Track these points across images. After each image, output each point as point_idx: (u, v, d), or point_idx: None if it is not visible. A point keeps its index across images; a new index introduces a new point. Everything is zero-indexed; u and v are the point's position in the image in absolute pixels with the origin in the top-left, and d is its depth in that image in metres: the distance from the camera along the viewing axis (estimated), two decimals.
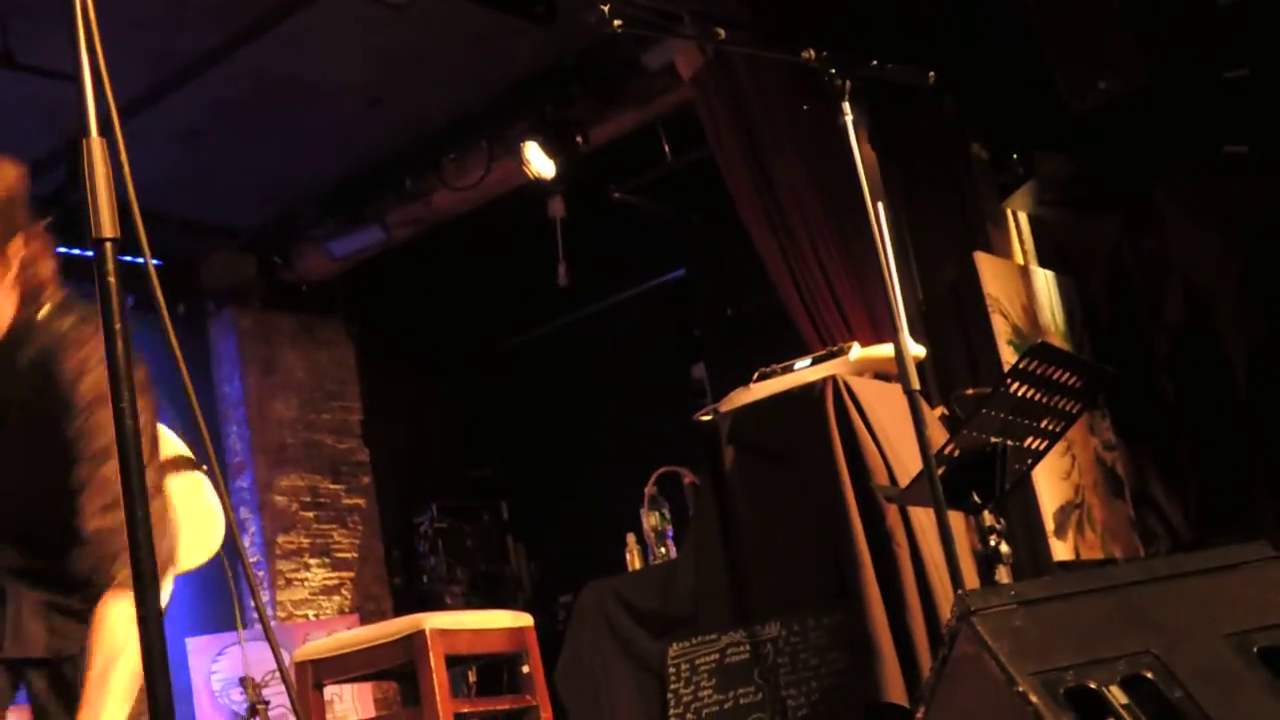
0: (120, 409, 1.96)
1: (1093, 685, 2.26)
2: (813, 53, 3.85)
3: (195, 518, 3.50)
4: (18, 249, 2.81)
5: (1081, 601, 2.42)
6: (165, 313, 2.56)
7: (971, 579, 4.04)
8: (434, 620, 4.31)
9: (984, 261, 6.57)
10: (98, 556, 2.66)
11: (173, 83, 7.07)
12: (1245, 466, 6.84)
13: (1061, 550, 6.20)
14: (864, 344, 5.71)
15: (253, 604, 8.63)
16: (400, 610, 9.04)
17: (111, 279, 1.99)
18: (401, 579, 9.27)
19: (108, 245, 2.00)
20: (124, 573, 2.61)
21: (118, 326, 1.99)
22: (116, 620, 2.61)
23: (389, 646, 4.33)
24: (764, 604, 4.59)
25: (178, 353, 2.44)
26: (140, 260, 2.23)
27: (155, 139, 7.28)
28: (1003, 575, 3.73)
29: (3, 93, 6.63)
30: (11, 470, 2.84)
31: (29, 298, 2.84)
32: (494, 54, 7.33)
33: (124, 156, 2.11)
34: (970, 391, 6.03)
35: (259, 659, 7.73)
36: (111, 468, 2.59)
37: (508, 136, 7.84)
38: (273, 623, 8.52)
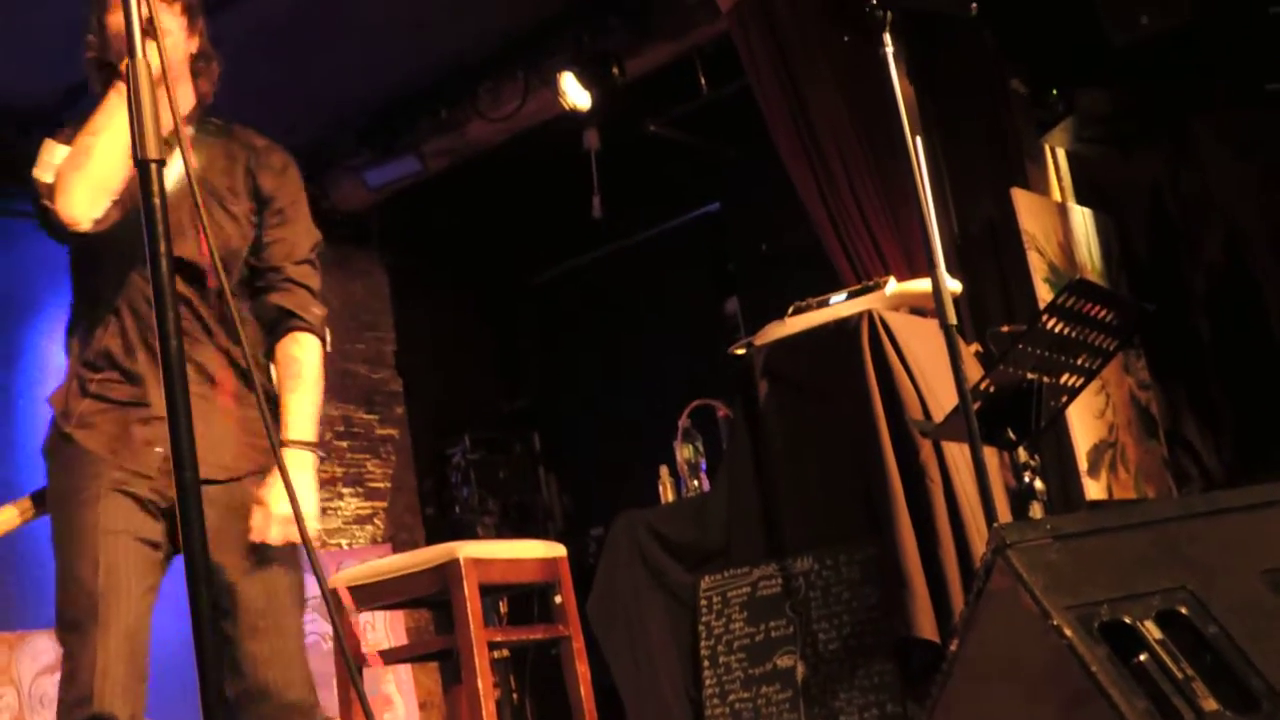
0: (165, 330, 1.98)
1: (1127, 620, 2.26)
2: None
3: None
4: (196, 37, 3.32)
5: (1117, 536, 2.42)
6: (207, 236, 2.62)
7: (1005, 515, 4.04)
8: (468, 549, 4.33)
9: (1021, 198, 6.53)
10: (296, 300, 3.25)
11: (208, 7, 7.04)
12: None
13: (1094, 489, 6.20)
14: (900, 279, 5.70)
15: None
16: (432, 540, 9.10)
17: (156, 200, 2.01)
18: (434, 509, 9.32)
19: (153, 166, 2.02)
20: (314, 310, 3.30)
21: (162, 248, 2.00)
22: (305, 349, 3.23)
23: (423, 574, 4.36)
24: (796, 538, 4.60)
25: (223, 279, 2.47)
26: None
27: None
28: (1037, 512, 3.73)
29: (43, 14, 6.64)
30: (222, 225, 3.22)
31: (202, 98, 3.33)
32: None
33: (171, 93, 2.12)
34: (1005, 328, 6.00)
35: None
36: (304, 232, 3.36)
37: (544, 67, 7.82)
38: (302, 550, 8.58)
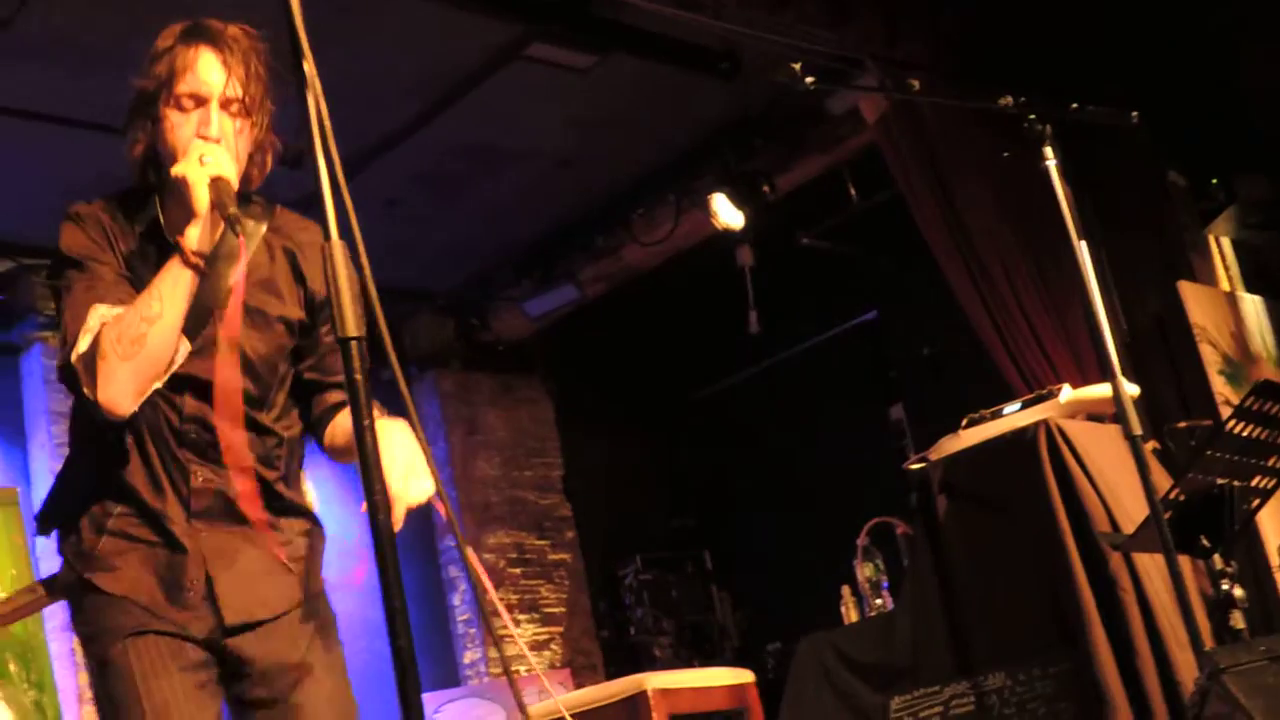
0: (374, 501, 2.02)
1: None
2: (1010, 99, 3.83)
3: None
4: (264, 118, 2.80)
5: None
6: (405, 386, 2.52)
7: (1205, 626, 3.93)
8: (656, 680, 4.34)
9: (1189, 290, 6.43)
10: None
11: (372, 154, 7.29)
12: None
13: None
14: (1069, 380, 5.62)
15: (467, 661, 8.80)
16: (610, 663, 9.11)
17: (359, 376, 2.06)
18: (610, 632, 9.33)
19: (354, 344, 2.07)
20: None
21: (366, 422, 2.05)
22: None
23: (612, 708, 4.37)
24: (986, 654, 4.52)
25: (416, 424, 2.46)
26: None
27: (356, 210, 7.46)
28: (1238, 621, 3.63)
29: None
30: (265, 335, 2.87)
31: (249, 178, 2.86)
32: (679, 110, 7.42)
33: (362, 252, 2.20)
34: (1183, 424, 5.89)
35: (472, 717, 7.86)
36: None
37: (695, 189, 7.92)
38: (485, 679, 8.65)
